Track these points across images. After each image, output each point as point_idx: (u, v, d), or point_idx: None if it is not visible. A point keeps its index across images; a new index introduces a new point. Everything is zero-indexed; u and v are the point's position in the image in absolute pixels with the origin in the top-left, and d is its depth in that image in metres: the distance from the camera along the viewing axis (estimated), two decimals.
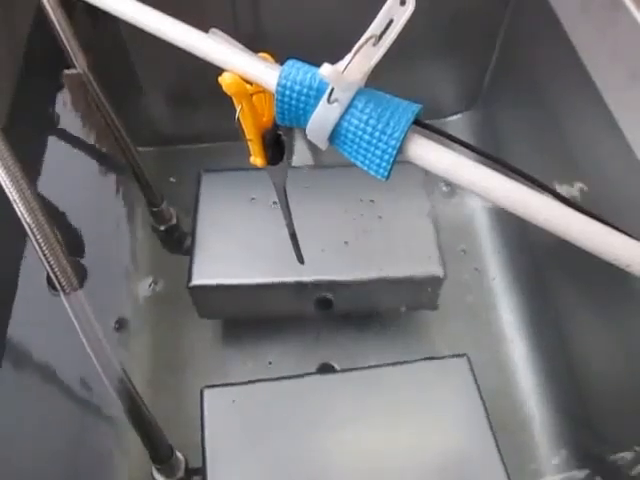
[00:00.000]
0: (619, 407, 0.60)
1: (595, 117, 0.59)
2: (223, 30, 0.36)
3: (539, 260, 0.77)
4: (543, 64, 0.72)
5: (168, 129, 0.93)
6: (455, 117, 0.95)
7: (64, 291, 0.42)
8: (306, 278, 0.66)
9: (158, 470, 0.59)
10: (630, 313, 0.58)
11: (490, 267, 0.82)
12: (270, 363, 0.74)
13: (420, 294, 0.70)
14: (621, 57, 0.55)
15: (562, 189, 0.63)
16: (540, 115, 0.74)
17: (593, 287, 0.64)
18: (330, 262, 0.66)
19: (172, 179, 0.86)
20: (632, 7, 0.53)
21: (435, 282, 0.67)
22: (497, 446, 0.56)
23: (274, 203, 0.70)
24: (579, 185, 0.63)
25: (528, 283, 0.79)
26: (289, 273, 0.65)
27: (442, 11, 0.79)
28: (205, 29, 0.37)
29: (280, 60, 0.34)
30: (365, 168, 0.31)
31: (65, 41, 0.60)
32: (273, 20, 0.78)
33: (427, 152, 0.30)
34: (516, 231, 0.81)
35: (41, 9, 0.57)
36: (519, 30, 0.79)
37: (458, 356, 0.62)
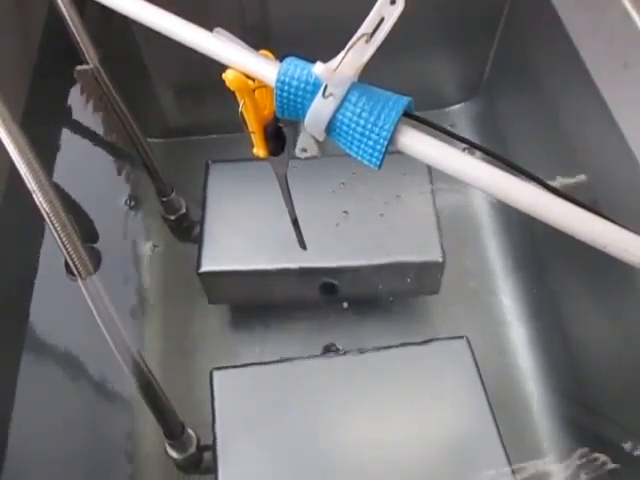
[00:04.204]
0: (616, 387, 0.61)
1: (590, 107, 0.60)
2: (230, 27, 0.38)
3: (539, 245, 0.78)
4: (541, 54, 0.72)
5: (177, 121, 0.94)
6: (456, 107, 0.96)
7: (81, 276, 0.45)
8: (311, 264, 0.68)
9: (171, 445, 0.61)
10: (627, 297, 0.59)
11: (491, 252, 0.84)
12: (277, 346, 0.75)
13: (421, 279, 0.71)
14: (615, 47, 0.56)
15: (561, 178, 0.64)
16: (539, 105, 0.75)
17: (591, 271, 0.65)
18: (334, 248, 0.68)
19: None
20: None
21: (435, 267, 0.69)
22: (497, 427, 0.56)
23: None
24: (577, 174, 0.64)
25: (528, 268, 0.80)
26: (295, 259, 0.67)
27: (442, 1, 0.80)
28: (212, 27, 0.39)
29: (282, 57, 0.36)
30: (359, 158, 0.33)
31: (77, 37, 0.61)
32: (279, 17, 0.79)
33: (416, 142, 0.32)
34: (517, 217, 0.82)
35: (54, 7, 0.59)
36: (518, 20, 0.79)
37: (458, 338, 0.62)
